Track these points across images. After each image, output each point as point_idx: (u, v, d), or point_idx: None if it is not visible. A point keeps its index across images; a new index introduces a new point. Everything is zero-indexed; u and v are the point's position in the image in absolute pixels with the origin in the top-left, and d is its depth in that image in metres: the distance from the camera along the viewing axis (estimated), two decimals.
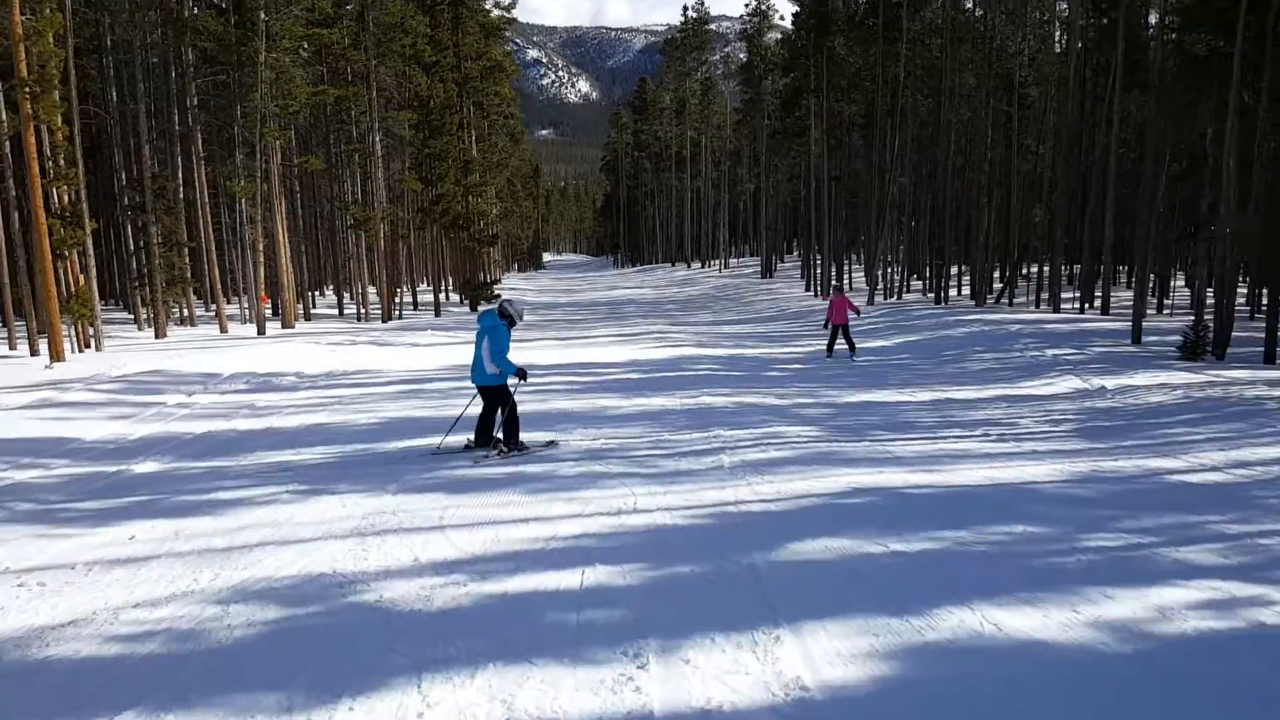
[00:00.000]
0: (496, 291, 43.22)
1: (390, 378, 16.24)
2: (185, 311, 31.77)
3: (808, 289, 45.65)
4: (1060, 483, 7.96)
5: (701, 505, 7.20)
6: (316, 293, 48.03)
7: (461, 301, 42.64)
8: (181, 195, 29.48)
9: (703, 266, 70.93)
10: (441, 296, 47.27)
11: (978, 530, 6.44)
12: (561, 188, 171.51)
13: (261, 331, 28.11)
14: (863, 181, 46.97)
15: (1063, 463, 8.79)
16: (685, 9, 68.03)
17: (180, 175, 29.67)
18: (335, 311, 38.15)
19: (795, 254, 70.63)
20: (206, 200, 29.46)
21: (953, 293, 36.48)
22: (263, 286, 28.64)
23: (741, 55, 60.48)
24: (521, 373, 9.49)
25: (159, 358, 18.37)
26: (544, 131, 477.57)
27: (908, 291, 39.32)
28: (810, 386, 14.90)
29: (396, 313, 37.07)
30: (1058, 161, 29.82)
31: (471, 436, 9.76)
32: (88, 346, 22.57)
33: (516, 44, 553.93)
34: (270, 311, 33.24)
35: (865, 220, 46.95)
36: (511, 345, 9.58)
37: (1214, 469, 8.34)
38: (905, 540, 6.20)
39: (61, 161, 22.08)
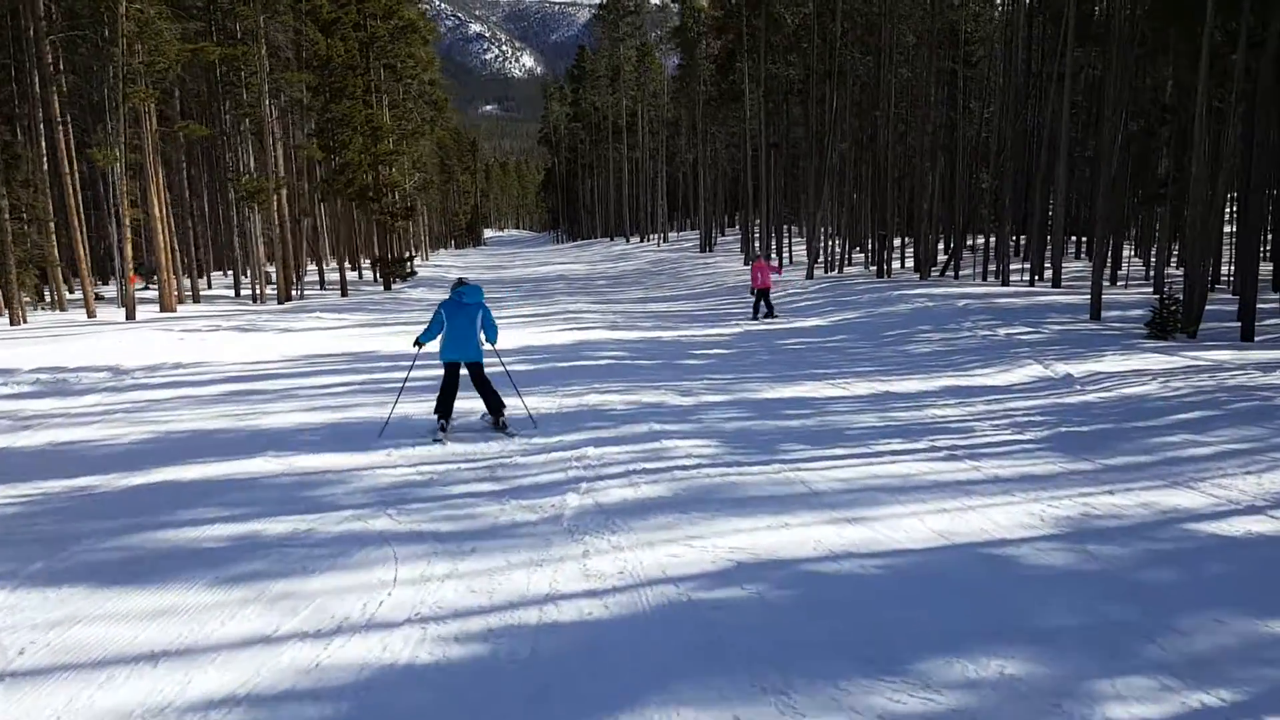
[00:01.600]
0: (413, 269, 40.22)
1: (226, 373, 13.46)
2: (54, 295, 28.44)
3: (746, 263, 43.33)
4: (1043, 539, 5.51)
5: (488, 605, 4.61)
6: (220, 272, 44.63)
7: (375, 280, 39.56)
8: (47, 166, 26.11)
9: (641, 241, 68.27)
10: (354, 275, 44.13)
11: (925, 682, 3.76)
12: (503, 163, 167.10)
13: (131, 316, 24.98)
14: (802, 149, 44.75)
15: (1040, 499, 6.38)
16: None
17: (43, 144, 26.28)
18: (232, 293, 34.93)
19: (736, 227, 68.35)
20: (72, 171, 26.05)
21: (896, 265, 34.31)
22: (131, 265, 25.45)
23: (676, 19, 57.65)
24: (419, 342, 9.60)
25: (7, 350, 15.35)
26: (488, 107, 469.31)
27: (849, 264, 37.09)
28: (727, 379, 12.45)
29: (298, 293, 33.96)
30: (1005, 124, 27.71)
31: (489, 414, 9.50)
32: None
33: (458, 18, 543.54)
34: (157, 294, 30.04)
35: (806, 190, 44.79)
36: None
37: (1251, 508, 5.99)
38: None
39: None
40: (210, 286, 37.45)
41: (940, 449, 8.10)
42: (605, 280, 40.95)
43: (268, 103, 30.69)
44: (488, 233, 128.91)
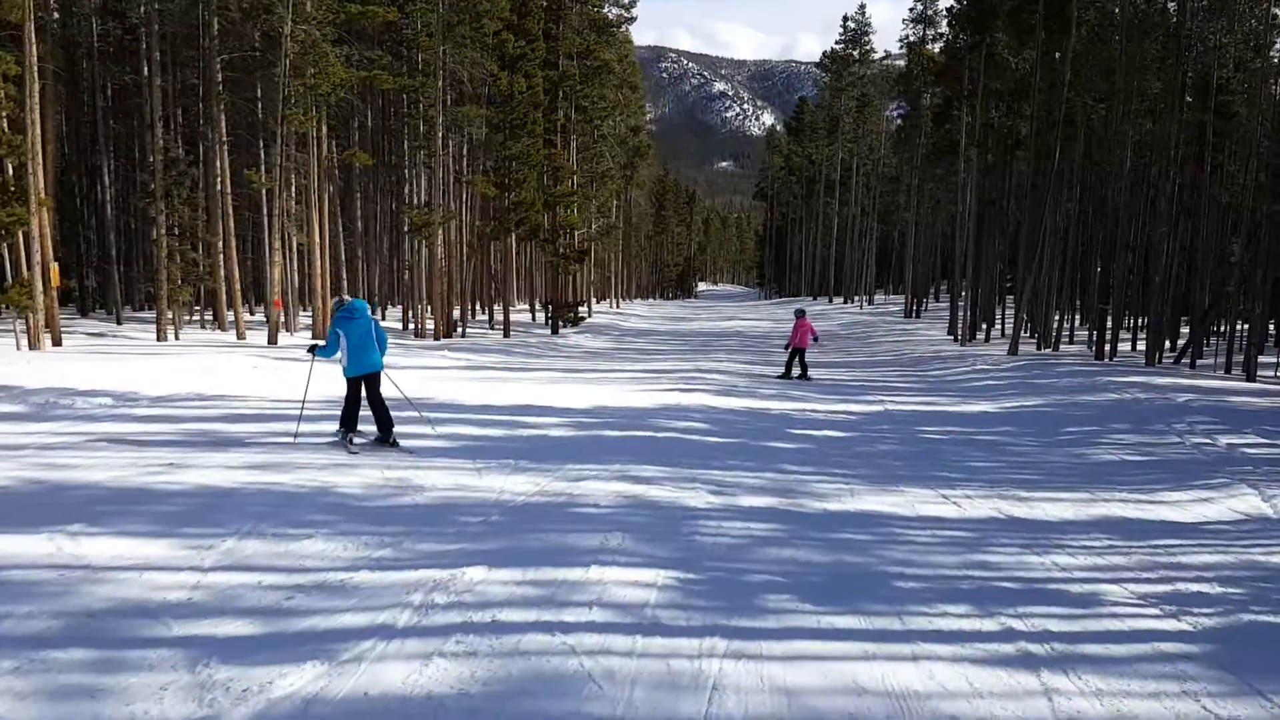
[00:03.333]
0: (582, 314, 38.76)
1: (233, 409, 11.73)
2: (217, 315, 28.87)
3: (949, 332, 38.82)
4: None
5: None
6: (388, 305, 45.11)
7: (546, 323, 38.39)
8: (218, 186, 26.52)
9: (845, 302, 64.29)
10: (526, 316, 43.31)
11: None
12: (723, 217, 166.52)
13: (272, 341, 24.63)
14: (1022, 209, 39.83)
15: None
16: (845, 19, 62.15)
17: (217, 165, 26.76)
18: (400, 325, 34.68)
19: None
20: (227, 190, 26.25)
21: (1125, 347, 29.10)
22: (276, 290, 25.15)
23: (902, 63, 54.08)
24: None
25: (52, 365, 14.61)
26: (724, 163, 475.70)
27: (1068, 342, 32.05)
28: (803, 474, 9.32)
29: (460, 330, 33.15)
30: (1265, 185, 22.56)
31: (379, 431, 9.69)
32: (37, 345, 19.45)
33: (704, 76, 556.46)
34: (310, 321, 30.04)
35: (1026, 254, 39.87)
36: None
37: None
38: None
39: (5, 126, 19.11)
40: (383, 318, 37.55)
41: (1016, 637, 4.79)
42: (782, 340, 37.70)
43: (442, 135, 30.18)
44: (701, 285, 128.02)
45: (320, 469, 8.28)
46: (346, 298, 9.98)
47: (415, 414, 10.86)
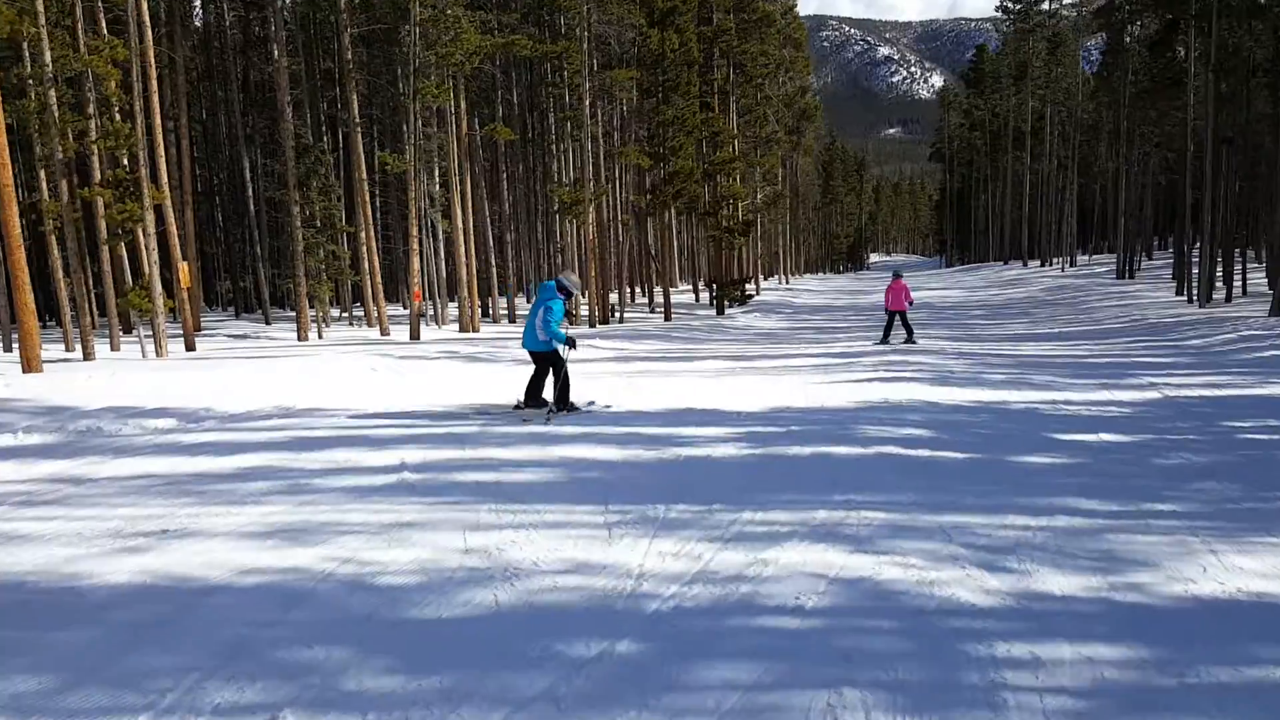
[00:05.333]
0: (749, 291, 35.46)
1: (312, 430, 9.29)
2: (365, 310, 27.42)
3: (1179, 293, 33.29)
4: None
5: None
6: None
7: (710, 303, 35.34)
8: (357, 174, 24.87)
9: (1042, 265, 58.02)
10: (689, 297, 40.37)
11: None
12: (894, 184, 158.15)
13: (415, 336, 22.76)
14: (1266, 148, 33.59)
15: None
16: None
17: (346, 149, 25.12)
18: None
19: (1168, 250, 55.86)
20: (363, 176, 24.49)
21: None
22: (416, 280, 23.21)
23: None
24: (571, 341, 9.83)
25: (143, 376, 12.80)
26: (891, 130, 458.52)
27: None
28: (1106, 516, 5.92)
29: (618, 315, 30.61)
30: None
31: (522, 397, 10.06)
32: (161, 352, 18.08)
33: (868, 42, 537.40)
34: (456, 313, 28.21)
35: (1269, 200, 33.70)
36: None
37: None
38: None
39: (116, 116, 17.67)
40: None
41: None
42: (981, 310, 33.33)
43: (589, 103, 27.58)
44: (873, 257, 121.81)
45: (362, 533, 5.56)
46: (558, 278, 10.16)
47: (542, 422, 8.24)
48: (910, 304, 19.22)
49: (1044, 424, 9.49)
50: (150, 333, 18.32)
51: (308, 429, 9.27)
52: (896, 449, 8.06)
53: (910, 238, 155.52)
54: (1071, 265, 53.10)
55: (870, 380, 12.75)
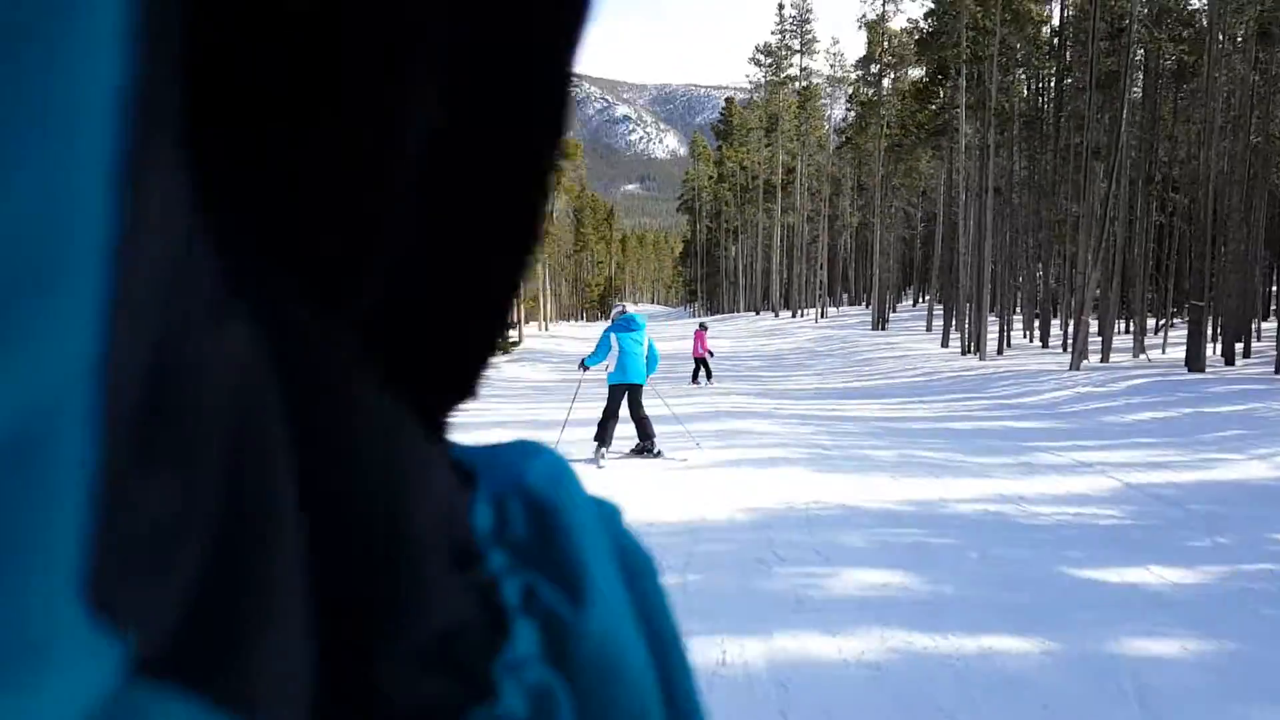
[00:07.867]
0: (513, 339, 31.28)
1: None
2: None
3: (944, 344, 32.69)
4: None
5: None
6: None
7: None
8: None
9: (794, 316, 58.12)
10: None
11: None
12: (640, 235, 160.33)
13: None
14: (1026, 198, 34.24)
15: None
16: (780, 6, 56.38)
17: None
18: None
19: (914, 304, 57.68)
20: None
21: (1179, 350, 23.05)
22: None
23: (853, 51, 48.34)
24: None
25: None
26: (630, 186, 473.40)
27: (1112, 350, 26.02)
28: None
29: None
30: None
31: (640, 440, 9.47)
32: None
33: (606, 100, 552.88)
34: None
35: (1026, 251, 34.26)
36: None
37: None
38: None
39: None
40: None
41: None
42: (759, 361, 31.21)
43: None
44: (630, 306, 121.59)
45: None
46: (628, 306, 10.36)
47: None
48: (710, 354, 21.14)
49: (1053, 551, 5.98)
50: None
51: None
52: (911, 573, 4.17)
53: (654, 288, 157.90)
54: (824, 316, 53.26)
55: (731, 463, 8.93)
